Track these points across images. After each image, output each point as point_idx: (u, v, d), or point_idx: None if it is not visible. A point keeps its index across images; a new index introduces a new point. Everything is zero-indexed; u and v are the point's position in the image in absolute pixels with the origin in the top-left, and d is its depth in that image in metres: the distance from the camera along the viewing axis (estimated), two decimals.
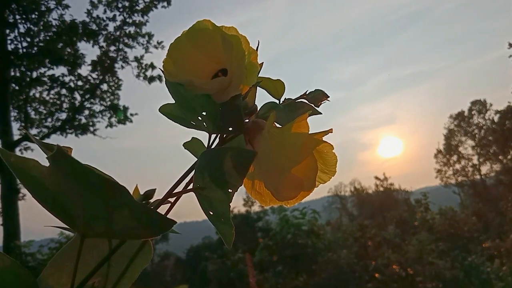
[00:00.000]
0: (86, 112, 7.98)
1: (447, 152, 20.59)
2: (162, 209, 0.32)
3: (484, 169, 19.55)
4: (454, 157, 20.45)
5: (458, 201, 18.22)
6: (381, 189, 19.29)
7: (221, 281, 8.12)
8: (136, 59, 8.06)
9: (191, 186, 0.31)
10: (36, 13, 7.25)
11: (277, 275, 6.20)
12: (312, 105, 0.34)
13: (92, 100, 7.99)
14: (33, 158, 0.26)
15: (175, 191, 0.31)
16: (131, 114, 8.21)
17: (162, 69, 0.32)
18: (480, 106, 20.07)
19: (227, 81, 0.30)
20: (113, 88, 8.18)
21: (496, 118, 18.57)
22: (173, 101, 0.34)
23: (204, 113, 0.33)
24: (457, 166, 20.28)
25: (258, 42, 0.31)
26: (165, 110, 0.34)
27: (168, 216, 0.31)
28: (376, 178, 19.72)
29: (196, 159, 0.32)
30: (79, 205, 0.25)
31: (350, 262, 6.01)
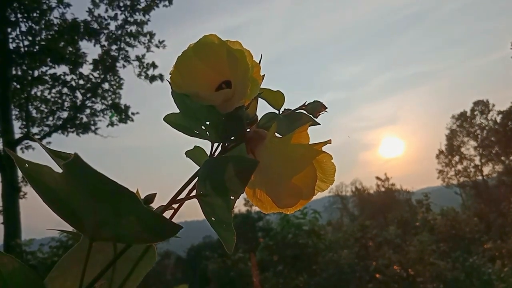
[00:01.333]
0: (88, 111, 8.00)
1: (449, 152, 20.55)
2: (165, 215, 0.33)
3: (486, 169, 19.52)
4: (456, 158, 20.41)
5: (460, 202, 18.17)
6: (383, 189, 19.28)
7: (221, 280, 8.13)
8: (138, 58, 8.07)
9: (194, 193, 0.32)
10: (38, 11, 7.27)
11: (278, 274, 6.21)
12: (311, 115, 0.35)
13: (93, 99, 8.02)
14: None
15: (179, 197, 0.32)
16: (133, 113, 8.23)
17: (169, 81, 0.33)
18: (482, 106, 20.03)
19: (231, 93, 0.31)
20: (115, 87, 8.19)
21: (498, 119, 18.54)
22: (177, 110, 0.35)
23: (207, 123, 0.34)
24: (459, 167, 20.26)
25: (261, 55, 0.32)
26: (169, 119, 0.35)
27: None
28: (378, 178, 19.72)
29: (199, 167, 0.33)
30: (89, 210, 0.26)
31: (351, 262, 6.02)
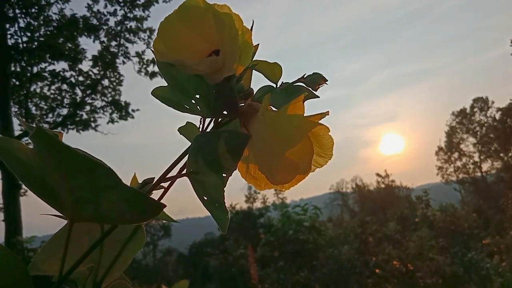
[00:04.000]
0: (87, 107, 7.97)
1: (449, 149, 20.55)
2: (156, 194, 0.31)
3: (485, 166, 19.54)
4: (455, 154, 20.42)
5: (459, 198, 18.21)
6: (383, 186, 19.29)
7: (222, 276, 8.15)
8: (138, 54, 8.03)
9: (185, 171, 0.31)
10: (36, 7, 7.21)
11: (279, 270, 6.22)
12: (310, 88, 0.33)
13: (93, 96, 7.98)
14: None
15: (169, 175, 0.30)
16: (133, 110, 8.20)
17: (152, 49, 0.31)
18: (482, 103, 20.02)
19: (220, 61, 0.29)
20: (115, 83, 8.16)
21: (497, 116, 18.54)
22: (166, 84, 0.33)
23: (197, 96, 0.32)
24: (458, 163, 20.27)
25: (253, 21, 0.29)
26: (157, 93, 0.33)
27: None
28: (378, 175, 19.72)
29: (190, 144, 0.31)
30: (65, 188, 0.24)
31: (351, 258, 6.03)
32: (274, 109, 0.32)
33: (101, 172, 0.23)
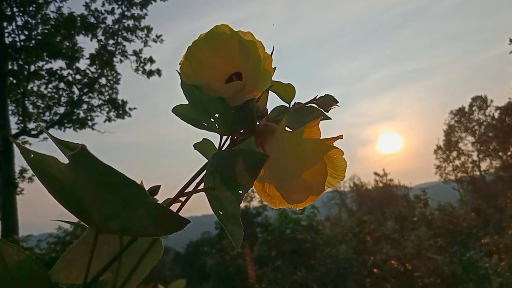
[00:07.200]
0: (85, 106, 7.95)
1: (447, 148, 20.60)
2: (172, 208, 0.33)
3: (484, 165, 19.60)
4: (454, 153, 20.47)
5: (458, 197, 18.28)
6: (381, 185, 19.30)
7: (219, 276, 8.16)
8: (135, 53, 8.02)
9: (201, 186, 0.32)
10: (34, 5, 7.18)
11: (276, 270, 6.23)
12: (322, 110, 0.34)
13: (90, 94, 7.97)
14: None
15: (186, 190, 0.32)
16: (130, 109, 8.19)
17: (179, 71, 0.32)
18: (480, 102, 20.07)
19: (242, 85, 0.31)
20: (112, 82, 8.14)
21: (496, 114, 18.60)
22: (185, 102, 0.34)
23: (216, 115, 0.33)
24: (457, 162, 20.32)
25: (273, 47, 0.31)
26: (178, 110, 0.35)
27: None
28: (376, 174, 19.74)
29: (207, 160, 0.33)
30: (96, 203, 0.26)
31: (348, 257, 6.05)
32: (287, 129, 0.33)
33: (133, 189, 0.24)
